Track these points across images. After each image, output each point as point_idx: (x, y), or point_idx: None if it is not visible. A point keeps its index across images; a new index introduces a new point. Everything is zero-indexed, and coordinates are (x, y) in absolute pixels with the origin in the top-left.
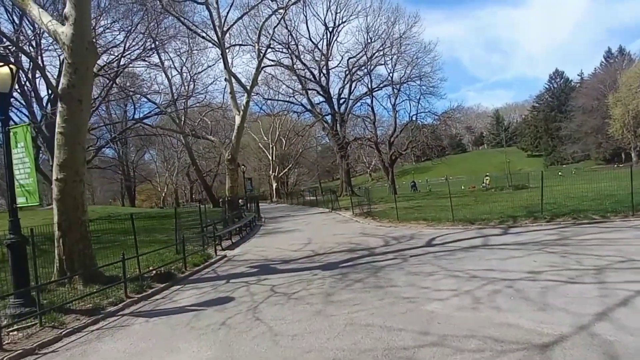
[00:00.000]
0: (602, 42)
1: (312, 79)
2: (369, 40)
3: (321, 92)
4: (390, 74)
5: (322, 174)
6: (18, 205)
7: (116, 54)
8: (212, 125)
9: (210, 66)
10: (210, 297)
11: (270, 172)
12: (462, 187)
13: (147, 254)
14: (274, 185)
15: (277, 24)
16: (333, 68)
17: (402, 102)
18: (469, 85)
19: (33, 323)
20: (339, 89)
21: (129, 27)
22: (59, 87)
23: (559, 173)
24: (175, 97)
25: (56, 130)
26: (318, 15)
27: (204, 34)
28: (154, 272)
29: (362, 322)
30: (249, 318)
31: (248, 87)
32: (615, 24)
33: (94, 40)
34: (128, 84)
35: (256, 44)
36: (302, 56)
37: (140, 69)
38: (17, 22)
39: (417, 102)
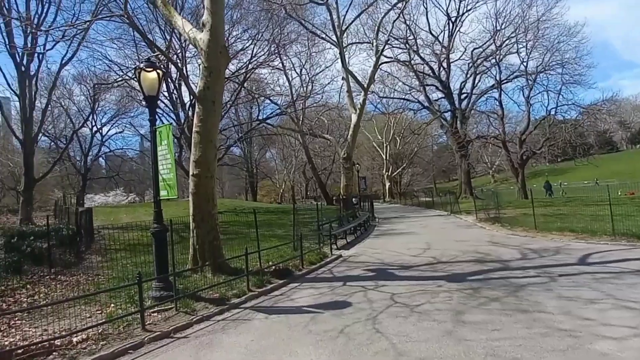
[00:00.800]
0: None
1: (431, 74)
2: (499, 27)
3: (440, 88)
4: (525, 63)
5: (438, 175)
6: (160, 198)
7: (244, 61)
8: (328, 124)
9: (327, 67)
10: (327, 299)
11: (384, 171)
12: (619, 193)
13: (267, 249)
14: (387, 184)
15: (397, 19)
16: (455, 61)
17: (538, 95)
18: (623, 72)
19: (170, 307)
20: (461, 84)
21: (256, 35)
22: (196, 90)
23: None
24: (295, 98)
25: (193, 130)
26: (440, 5)
27: (323, 35)
28: (274, 267)
29: (507, 354)
30: (369, 329)
31: (365, 85)
32: None
33: (227, 46)
34: (254, 87)
35: (374, 41)
36: (420, 50)
37: (264, 73)
38: (168, 37)
39: (557, 94)
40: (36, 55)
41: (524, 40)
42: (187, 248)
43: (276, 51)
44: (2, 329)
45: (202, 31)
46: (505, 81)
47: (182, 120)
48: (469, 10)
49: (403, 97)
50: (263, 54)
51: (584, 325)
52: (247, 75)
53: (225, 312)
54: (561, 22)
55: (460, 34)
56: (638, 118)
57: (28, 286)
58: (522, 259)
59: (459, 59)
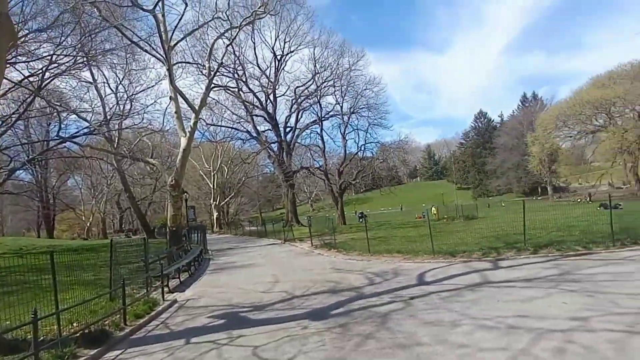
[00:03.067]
0: (513, 88)
1: (259, 105)
2: (318, 71)
3: (268, 119)
4: (340, 104)
5: (264, 204)
6: None
7: (40, 67)
8: (152, 148)
9: (150, 87)
10: None
11: (211, 200)
12: (416, 217)
13: (69, 307)
14: (215, 214)
15: (229, 44)
16: (280, 96)
17: (352, 132)
18: (402, 122)
19: None
20: (286, 117)
21: (59, 38)
22: None
23: (502, 204)
24: (109, 117)
25: None
26: (267, 42)
27: (147, 48)
28: (81, 331)
29: None
30: None
31: (196, 107)
32: (524, 72)
33: (16, 30)
34: (53, 99)
35: (207, 62)
36: (249, 82)
37: (70, 85)
38: None
39: (365, 132)
40: None
41: (339, 85)
42: None
43: (84, 61)
44: None
45: None
46: (325, 118)
47: None
48: (292, 51)
49: (231, 126)
50: (67, 62)
51: (465, 355)
52: (44, 84)
53: None
54: (365, 73)
55: (285, 72)
56: (414, 158)
57: None
58: (371, 284)
59: (284, 94)
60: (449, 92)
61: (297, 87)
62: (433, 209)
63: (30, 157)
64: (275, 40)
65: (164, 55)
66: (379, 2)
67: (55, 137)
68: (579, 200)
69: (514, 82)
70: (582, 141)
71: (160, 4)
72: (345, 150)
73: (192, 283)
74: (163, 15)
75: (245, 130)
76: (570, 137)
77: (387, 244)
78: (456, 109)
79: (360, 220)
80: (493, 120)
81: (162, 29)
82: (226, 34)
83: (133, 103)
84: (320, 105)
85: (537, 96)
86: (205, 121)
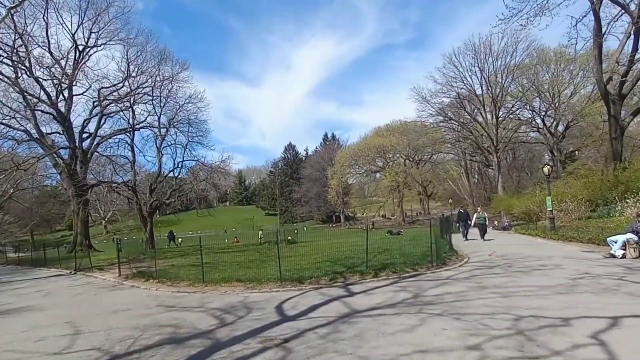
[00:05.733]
0: (313, 127)
1: (46, 100)
2: (132, 73)
3: (58, 119)
4: (158, 115)
5: (39, 224)
6: None
7: None
8: None
9: None
10: None
11: None
12: (233, 241)
13: None
14: None
15: (17, 5)
16: (78, 95)
17: (167, 147)
18: (205, 147)
19: None
20: (84, 121)
21: None
22: None
23: (304, 229)
24: None
25: None
26: (66, 25)
27: None
28: None
29: None
30: None
31: None
32: (321, 116)
33: None
34: None
35: None
36: (34, 69)
37: None
38: None
39: (183, 149)
40: None
41: (157, 94)
42: None
43: None
44: None
45: None
46: (137, 128)
47: None
48: (99, 45)
49: (1, 120)
50: None
51: None
52: None
53: None
54: (189, 85)
55: (88, 68)
56: (224, 182)
57: None
58: (224, 325)
59: (82, 93)
60: (259, 124)
61: (103, 87)
62: (260, 232)
63: None
64: (78, 27)
65: None
66: (193, 23)
67: None
68: (364, 227)
69: (314, 123)
70: (367, 178)
71: None
72: (160, 166)
73: None
74: None
75: (22, 128)
76: (359, 174)
77: (220, 272)
78: (264, 139)
79: (171, 242)
80: (300, 153)
81: None
82: None
83: None
84: (133, 112)
85: (335, 136)
86: None
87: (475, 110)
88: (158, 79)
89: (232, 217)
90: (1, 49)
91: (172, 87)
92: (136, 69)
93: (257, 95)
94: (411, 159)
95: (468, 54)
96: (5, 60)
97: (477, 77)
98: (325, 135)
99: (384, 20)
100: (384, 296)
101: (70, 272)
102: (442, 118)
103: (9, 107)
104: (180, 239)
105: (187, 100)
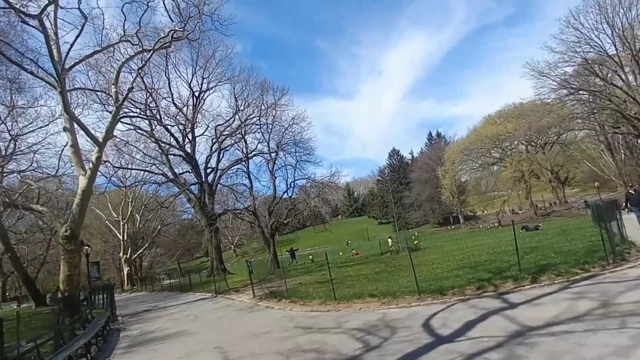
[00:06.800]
0: (414, 129)
1: (176, 145)
2: (240, 107)
3: (186, 160)
4: (267, 141)
5: (182, 254)
6: None
7: None
8: (40, 193)
9: (42, 127)
10: None
11: (121, 254)
12: (352, 253)
13: None
14: (126, 269)
15: (143, 66)
16: (200, 135)
17: (278, 170)
18: (316, 165)
19: None
20: (207, 157)
21: None
22: None
23: (415, 234)
24: None
25: None
26: (183, 77)
27: (34, 69)
28: None
29: None
30: None
31: (99, 140)
32: (420, 116)
33: None
34: None
35: (113, 86)
36: (163, 119)
37: None
38: None
39: (293, 169)
40: None
41: (264, 121)
42: None
43: None
44: None
45: None
46: (252, 155)
47: None
48: (211, 88)
49: (144, 168)
50: None
51: None
52: None
53: None
54: (291, 108)
55: (204, 111)
56: (333, 197)
57: None
58: (371, 350)
59: (202, 134)
60: (358, 134)
61: (218, 125)
62: (389, 240)
63: None
64: (192, 76)
65: (56, 77)
66: (285, 53)
67: None
68: (489, 226)
69: (415, 124)
70: (484, 172)
71: (51, 12)
72: (275, 188)
73: None
74: (55, 26)
75: (160, 172)
76: (474, 169)
77: (349, 287)
78: (365, 149)
79: (293, 260)
80: (405, 157)
81: (51, 43)
82: (137, 58)
83: (17, 143)
84: (245, 142)
85: (440, 134)
86: (112, 164)
87: (611, 74)
88: (263, 107)
89: (345, 229)
90: (137, 107)
91: (275, 112)
92: (243, 102)
93: (353, 107)
94: (534, 144)
95: (590, 12)
96: (141, 115)
97: (608, 35)
98: (430, 134)
99: (475, 2)
100: (557, 307)
101: (212, 295)
102: (566, 91)
103: (150, 156)
104: (311, 256)
105: (291, 122)
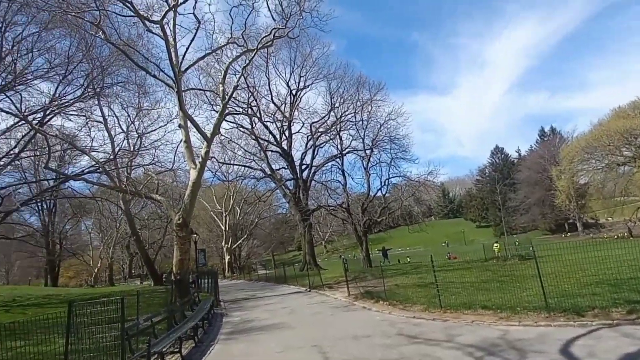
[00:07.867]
0: (520, 125)
1: (274, 142)
2: (335, 103)
3: (283, 156)
4: (362, 137)
5: (276, 246)
6: None
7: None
8: (159, 185)
9: (162, 126)
10: None
11: (223, 243)
12: (447, 257)
13: None
14: (227, 258)
15: (247, 65)
16: (296, 133)
17: (372, 167)
18: (410, 162)
19: None
20: (302, 154)
21: (66, 68)
22: None
23: (516, 242)
24: (116, 153)
25: None
26: (282, 75)
27: (155, 73)
28: None
29: None
30: None
31: (208, 135)
32: (528, 110)
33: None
34: (59, 138)
35: (221, 85)
36: (263, 117)
37: (76, 122)
38: None
39: (388, 166)
40: None
41: (359, 118)
42: None
43: (91, 95)
44: None
45: None
46: (347, 151)
47: None
48: (307, 86)
49: (245, 164)
50: (72, 98)
51: None
52: (46, 120)
53: None
54: (387, 103)
55: (300, 109)
56: (426, 196)
57: None
58: None
59: (298, 131)
60: (455, 131)
61: (313, 122)
62: (495, 245)
63: (32, 196)
64: (290, 75)
65: (173, 78)
66: (379, 49)
67: (56, 177)
68: (615, 236)
69: (520, 119)
70: (610, 174)
71: (170, 17)
72: (369, 186)
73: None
74: (173, 32)
75: (259, 168)
76: (599, 169)
77: (454, 294)
78: (462, 148)
79: (386, 260)
80: (510, 156)
81: (170, 47)
82: (241, 58)
83: (142, 141)
84: (340, 138)
85: (555, 130)
86: (217, 160)
87: None
88: (358, 103)
89: (439, 231)
90: (240, 106)
91: (371, 108)
92: (339, 99)
93: (450, 103)
94: None
95: None
96: (243, 113)
97: None
98: (542, 130)
99: None
100: None
101: (306, 290)
102: None
103: (250, 152)
104: (408, 257)
105: (387, 118)
